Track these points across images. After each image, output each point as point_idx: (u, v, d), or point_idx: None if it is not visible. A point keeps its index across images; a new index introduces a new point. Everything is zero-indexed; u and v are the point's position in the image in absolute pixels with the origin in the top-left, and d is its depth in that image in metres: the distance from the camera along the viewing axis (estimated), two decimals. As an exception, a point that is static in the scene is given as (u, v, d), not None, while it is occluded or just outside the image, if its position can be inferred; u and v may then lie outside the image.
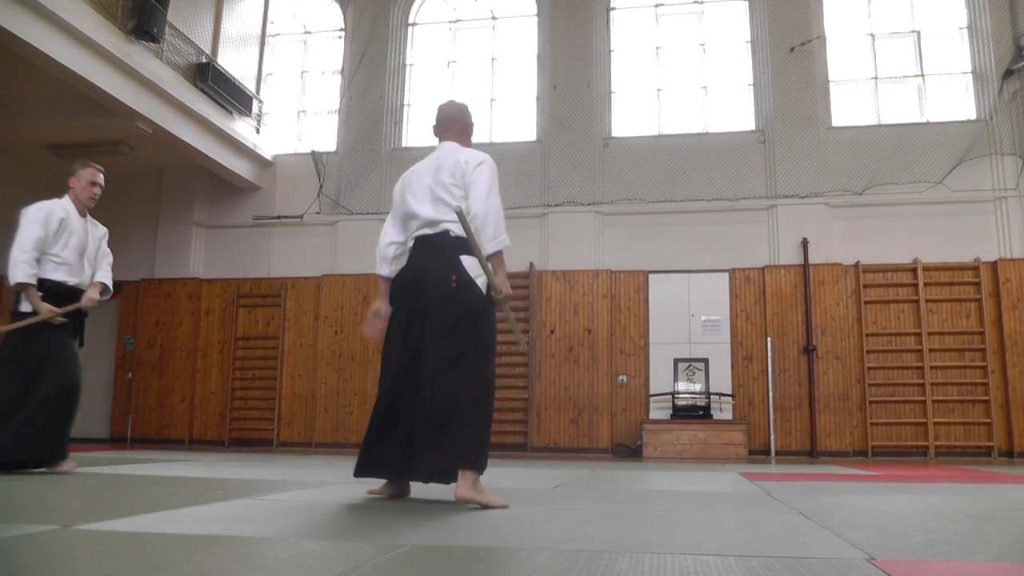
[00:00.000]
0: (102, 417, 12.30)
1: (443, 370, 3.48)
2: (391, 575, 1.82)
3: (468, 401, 3.47)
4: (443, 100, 4.24)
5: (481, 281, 3.62)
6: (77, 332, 5.44)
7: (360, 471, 3.70)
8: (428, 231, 3.73)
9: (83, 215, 5.67)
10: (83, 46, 8.75)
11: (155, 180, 12.62)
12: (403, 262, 3.92)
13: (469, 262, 3.61)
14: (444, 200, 3.70)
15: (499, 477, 5.46)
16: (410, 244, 3.86)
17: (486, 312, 3.65)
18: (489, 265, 3.60)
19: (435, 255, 3.69)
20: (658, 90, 11.96)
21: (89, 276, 5.63)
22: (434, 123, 4.11)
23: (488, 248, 3.59)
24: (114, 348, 12.45)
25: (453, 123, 4.09)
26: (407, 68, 12.66)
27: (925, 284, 10.52)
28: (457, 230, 3.61)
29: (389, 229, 4.00)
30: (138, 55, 9.60)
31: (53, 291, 5.19)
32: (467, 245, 3.59)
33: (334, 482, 4.81)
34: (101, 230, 5.92)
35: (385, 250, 4.00)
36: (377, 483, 3.82)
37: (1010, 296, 10.33)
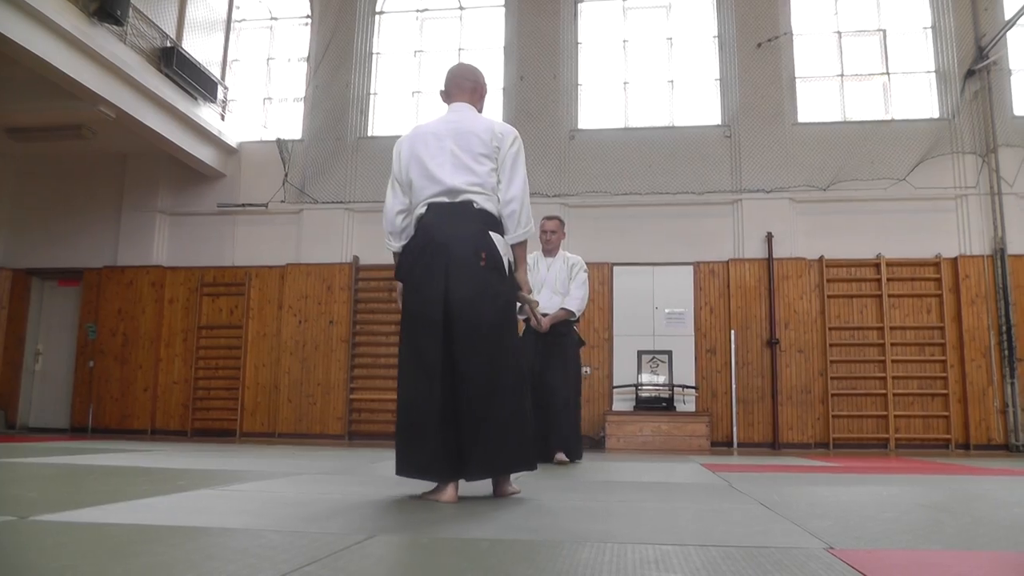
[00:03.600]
0: (62, 406, 12.15)
1: (500, 379, 3.28)
2: (353, 565, 1.82)
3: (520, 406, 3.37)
4: (412, 83, 4.05)
5: (507, 261, 3.45)
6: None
7: (414, 471, 3.32)
8: (446, 199, 3.42)
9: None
10: (43, 27, 8.57)
11: (118, 166, 12.45)
12: (411, 233, 3.56)
13: (499, 240, 3.42)
14: (470, 168, 3.43)
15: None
16: (421, 211, 3.48)
17: (514, 299, 3.53)
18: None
19: (459, 226, 3.37)
20: (625, 83, 11.99)
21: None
22: (442, 86, 3.81)
23: (519, 236, 3.47)
24: (75, 336, 12.29)
25: (464, 82, 3.77)
26: (374, 57, 12.58)
27: (888, 279, 10.66)
28: (482, 202, 3.40)
29: (392, 196, 3.63)
30: (101, 38, 9.43)
31: None
32: (493, 220, 3.42)
33: (297, 472, 4.79)
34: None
35: (394, 220, 3.59)
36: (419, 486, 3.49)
37: (969, 292, 10.51)
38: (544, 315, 6.23)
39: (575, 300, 6.48)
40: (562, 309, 6.41)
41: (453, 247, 3.32)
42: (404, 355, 3.41)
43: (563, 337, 6.50)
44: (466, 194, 3.41)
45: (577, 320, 6.69)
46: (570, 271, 6.55)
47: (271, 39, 13.19)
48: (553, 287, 6.50)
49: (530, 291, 3.56)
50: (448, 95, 3.77)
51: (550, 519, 2.75)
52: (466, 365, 3.25)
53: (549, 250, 6.66)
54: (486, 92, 3.85)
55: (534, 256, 6.57)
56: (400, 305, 3.55)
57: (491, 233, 3.40)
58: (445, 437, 3.19)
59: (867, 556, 2.04)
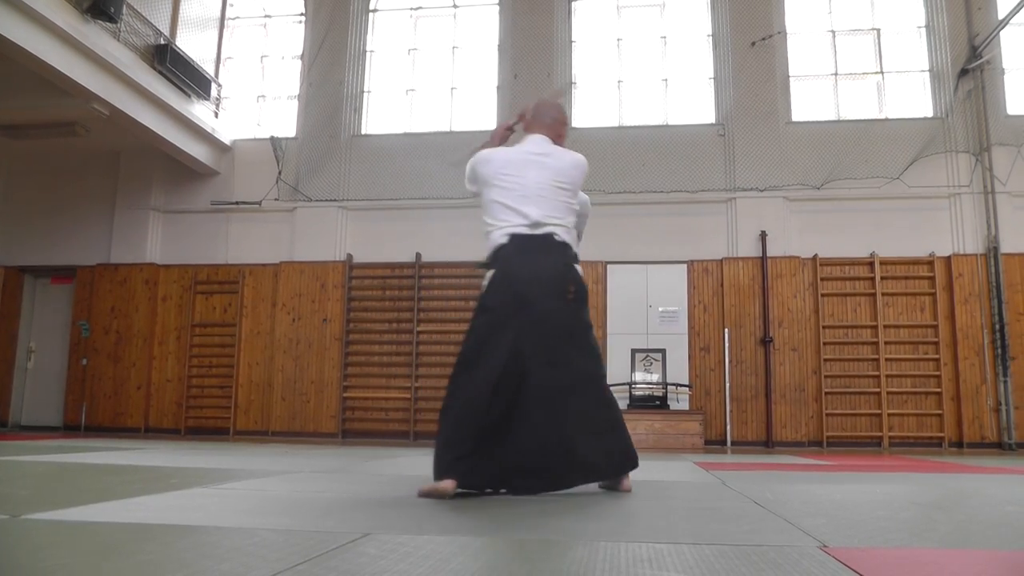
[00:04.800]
0: (55, 404, 12.12)
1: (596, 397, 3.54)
2: (346, 564, 1.82)
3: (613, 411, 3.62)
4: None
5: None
6: None
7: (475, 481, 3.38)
8: (526, 231, 3.49)
9: None
10: (37, 24, 8.56)
11: (111, 163, 12.42)
12: None
13: (581, 272, 3.60)
14: (554, 202, 3.56)
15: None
16: (501, 240, 3.52)
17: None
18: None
19: (546, 260, 3.49)
20: (619, 82, 12.00)
21: None
22: (529, 115, 3.87)
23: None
24: (68, 334, 12.26)
25: (546, 117, 3.85)
26: (367, 55, 12.57)
27: (881, 278, 10.69)
28: (562, 235, 3.53)
29: (470, 182, 3.76)
30: (94, 35, 9.41)
31: None
32: (572, 253, 3.57)
33: (290, 471, 4.78)
34: None
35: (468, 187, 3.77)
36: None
37: (962, 291, 10.54)
38: None
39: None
40: None
41: (541, 283, 3.45)
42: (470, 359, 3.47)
43: None
44: (548, 227, 3.51)
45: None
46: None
47: (265, 37, 13.17)
48: None
49: None
50: (529, 126, 3.85)
51: (543, 517, 2.75)
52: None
53: None
54: (565, 130, 3.90)
55: None
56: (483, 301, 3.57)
57: (576, 265, 3.57)
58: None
59: (861, 554, 2.04)
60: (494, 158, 3.68)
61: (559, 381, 3.39)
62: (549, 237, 3.50)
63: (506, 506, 3.08)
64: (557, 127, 3.84)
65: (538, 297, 3.43)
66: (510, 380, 3.32)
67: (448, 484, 3.25)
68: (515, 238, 3.49)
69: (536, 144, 3.73)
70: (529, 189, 3.54)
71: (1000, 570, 1.96)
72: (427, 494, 3.28)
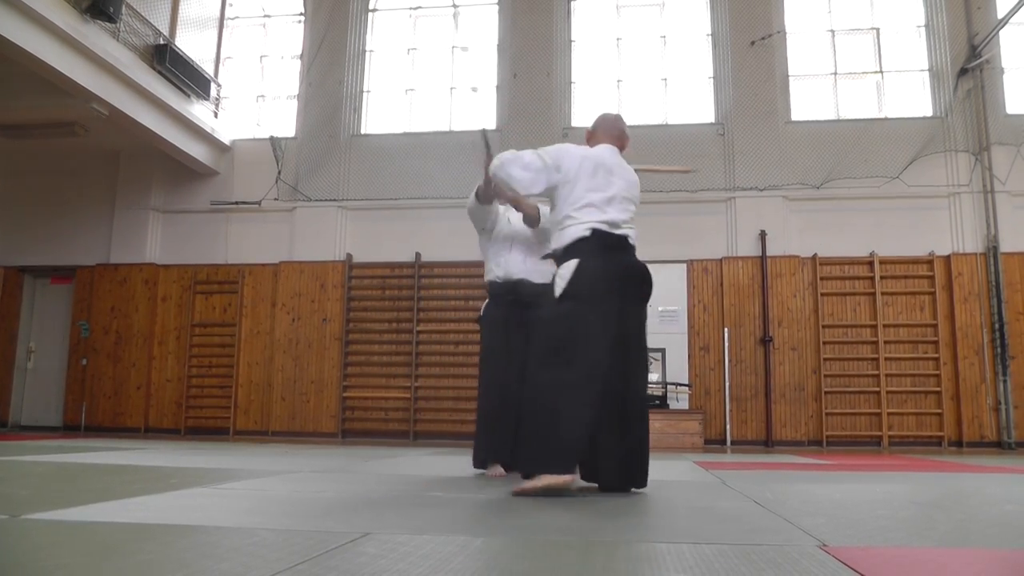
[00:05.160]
0: (55, 404, 12.12)
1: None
2: (346, 563, 1.82)
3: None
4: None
5: None
6: None
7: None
8: (606, 228, 3.68)
9: None
10: (36, 24, 8.55)
11: (111, 163, 12.41)
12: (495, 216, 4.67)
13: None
14: (632, 212, 3.90)
15: (457, 466, 5.46)
16: (583, 233, 3.65)
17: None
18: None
19: (628, 258, 3.76)
20: (618, 81, 11.99)
21: None
22: (593, 127, 4.16)
23: None
24: (68, 334, 12.25)
25: (613, 129, 4.13)
26: (367, 54, 12.56)
27: (881, 277, 10.69)
28: (634, 238, 3.83)
29: (539, 174, 3.79)
30: (94, 35, 9.40)
31: None
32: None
33: (290, 470, 4.78)
34: None
35: (529, 186, 3.84)
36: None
37: (962, 290, 10.53)
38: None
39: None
40: (535, 205, 4.77)
41: (638, 276, 3.75)
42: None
43: (542, 299, 4.64)
44: (623, 230, 3.76)
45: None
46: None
47: (264, 36, 13.16)
48: (526, 244, 4.93)
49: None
50: (594, 137, 4.09)
51: (542, 518, 2.75)
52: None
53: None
54: (628, 144, 4.17)
55: (502, 208, 5.05)
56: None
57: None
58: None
59: (860, 553, 2.04)
60: (588, 155, 3.83)
61: (642, 382, 3.77)
62: (625, 239, 3.74)
63: (505, 506, 3.08)
64: (624, 140, 4.12)
65: (627, 293, 3.65)
66: (613, 375, 3.50)
67: (569, 478, 3.35)
68: (597, 234, 3.65)
69: (614, 153, 3.98)
70: (614, 192, 3.77)
71: (1000, 569, 1.96)
72: (543, 490, 3.30)
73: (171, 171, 12.23)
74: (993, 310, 10.42)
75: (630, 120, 4.40)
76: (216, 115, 12.24)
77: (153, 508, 2.84)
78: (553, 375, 3.44)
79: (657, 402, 10.41)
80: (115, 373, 11.90)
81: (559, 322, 3.54)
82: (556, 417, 3.36)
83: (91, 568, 1.73)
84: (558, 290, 3.60)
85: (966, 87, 11.02)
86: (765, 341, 10.68)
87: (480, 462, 4.78)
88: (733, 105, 11.32)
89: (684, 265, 11.06)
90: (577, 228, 3.66)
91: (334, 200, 11.83)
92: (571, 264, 3.60)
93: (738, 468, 5.80)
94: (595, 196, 3.71)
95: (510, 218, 5.00)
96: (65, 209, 12.43)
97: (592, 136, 4.09)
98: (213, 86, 12.12)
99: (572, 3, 12.24)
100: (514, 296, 4.81)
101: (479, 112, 12.00)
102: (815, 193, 10.95)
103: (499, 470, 4.66)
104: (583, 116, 11.84)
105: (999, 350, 10.31)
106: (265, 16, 13.19)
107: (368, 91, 12.51)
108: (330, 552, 1.94)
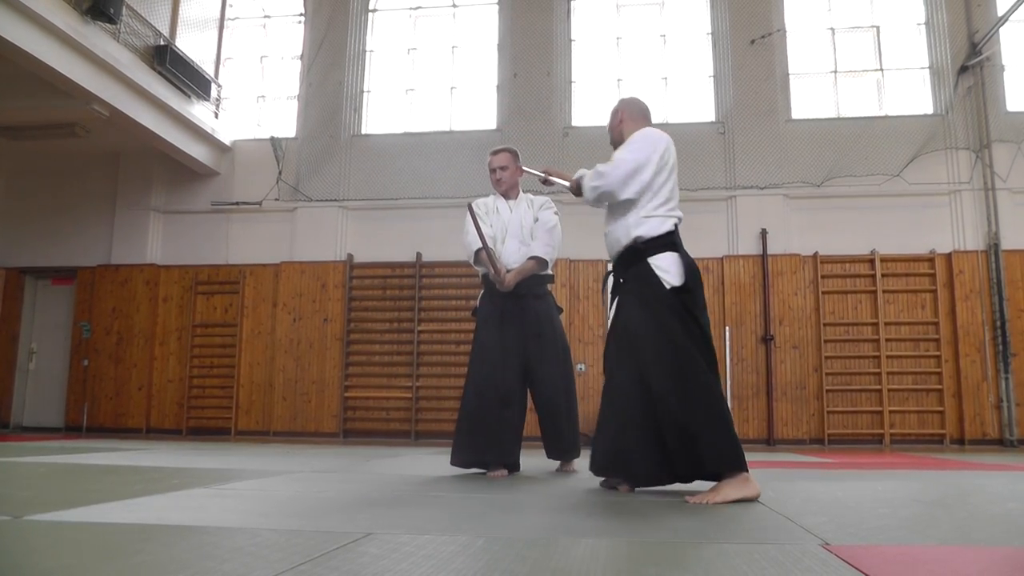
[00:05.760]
0: (57, 405, 12.11)
1: None
2: (348, 564, 1.82)
3: None
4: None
5: None
6: None
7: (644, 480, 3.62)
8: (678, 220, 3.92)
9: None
10: (36, 25, 8.54)
11: (111, 164, 12.41)
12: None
13: None
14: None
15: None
16: (669, 225, 3.88)
17: None
18: None
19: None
20: (618, 80, 11.98)
21: None
22: (621, 116, 4.20)
23: None
24: (69, 335, 12.25)
25: (648, 112, 4.27)
26: (367, 54, 12.56)
27: (882, 275, 10.67)
28: None
29: (645, 177, 3.86)
30: (94, 36, 9.40)
31: None
32: None
33: (291, 471, 4.78)
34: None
35: (622, 189, 3.94)
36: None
37: (963, 288, 10.53)
38: (508, 271, 4.89)
39: (542, 245, 5.00)
40: (530, 259, 4.93)
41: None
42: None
43: (539, 301, 5.04)
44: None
45: (552, 279, 5.24)
46: (537, 213, 5.19)
47: (264, 37, 13.15)
48: (519, 236, 5.07)
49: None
50: (634, 121, 4.10)
51: (545, 516, 2.75)
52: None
53: (504, 191, 5.26)
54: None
55: (490, 200, 5.25)
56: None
57: None
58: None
59: (862, 552, 2.04)
60: (672, 148, 3.89)
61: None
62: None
63: (506, 506, 3.08)
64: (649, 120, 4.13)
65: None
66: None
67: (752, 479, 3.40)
68: (677, 227, 3.85)
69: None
70: (675, 182, 3.92)
71: (1002, 567, 1.96)
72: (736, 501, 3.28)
73: (172, 172, 12.23)
74: (994, 307, 10.42)
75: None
76: (216, 115, 12.23)
77: (155, 509, 2.84)
78: (712, 377, 3.54)
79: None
80: (116, 374, 11.90)
81: (701, 315, 3.67)
82: (727, 419, 3.56)
83: (93, 569, 1.73)
84: (673, 280, 3.65)
85: (966, 84, 11.01)
86: (766, 340, 10.67)
87: (462, 462, 4.71)
88: (733, 103, 11.32)
89: (685, 264, 11.02)
90: (668, 222, 3.83)
91: (335, 200, 11.83)
92: (670, 256, 3.73)
93: (740, 467, 5.78)
94: (675, 190, 3.92)
95: (498, 207, 5.20)
96: (66, 210, 12.44)
97: (625, 123, 4.11)
98: (213, 87, 12.12)
99: (572, 2, 12.23)
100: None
101: (480, 112, 12.00)
102: (816, 191, 10.94)
103: (502, 471, 4.65)
104: (583, 116, 11.85)
105: (1001, 347, 10.31)
106: (265, 16, 13.18)
107: (368, 91, 12.50)
108: (332, 552, 1.94)
